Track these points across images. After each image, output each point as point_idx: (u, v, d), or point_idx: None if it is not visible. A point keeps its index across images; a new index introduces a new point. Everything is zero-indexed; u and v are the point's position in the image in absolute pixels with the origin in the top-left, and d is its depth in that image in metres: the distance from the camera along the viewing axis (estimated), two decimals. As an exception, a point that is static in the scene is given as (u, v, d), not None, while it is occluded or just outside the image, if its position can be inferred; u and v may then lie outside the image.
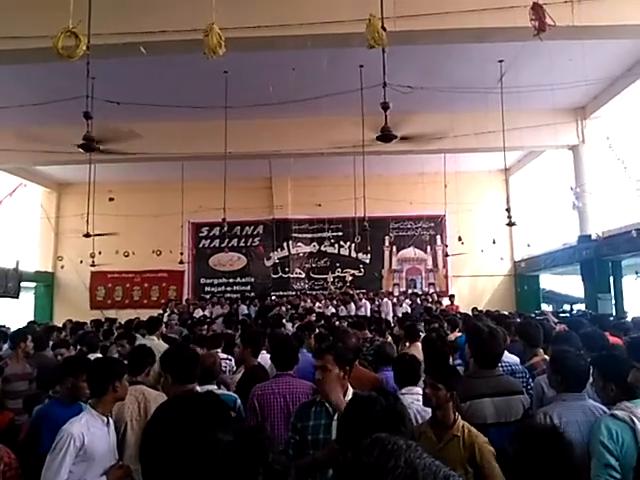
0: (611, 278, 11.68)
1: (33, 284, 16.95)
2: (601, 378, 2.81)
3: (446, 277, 16.94)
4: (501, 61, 9.40)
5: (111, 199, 16.58)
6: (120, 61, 8.05)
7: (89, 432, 2.65)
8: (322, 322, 9.62)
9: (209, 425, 1.33)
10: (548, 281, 16.72)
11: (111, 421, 2.92)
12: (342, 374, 2.76)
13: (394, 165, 14.77)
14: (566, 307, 14.35)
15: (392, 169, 15.17)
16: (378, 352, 3.88)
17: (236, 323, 9.10)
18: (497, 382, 2.98)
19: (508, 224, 10.29)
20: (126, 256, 16.99)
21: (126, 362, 3.52)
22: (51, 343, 6.31)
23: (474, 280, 16.49)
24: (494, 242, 14.38)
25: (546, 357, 3.92)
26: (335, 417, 2.67)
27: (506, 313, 9.43)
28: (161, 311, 13.77)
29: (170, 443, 1.31)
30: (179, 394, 2.62)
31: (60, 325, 10.21)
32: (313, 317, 10.32)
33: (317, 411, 2.74)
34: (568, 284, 16.13)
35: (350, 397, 2.71)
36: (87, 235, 12.44)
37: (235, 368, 5.16)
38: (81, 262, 15.96)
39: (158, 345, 5.80)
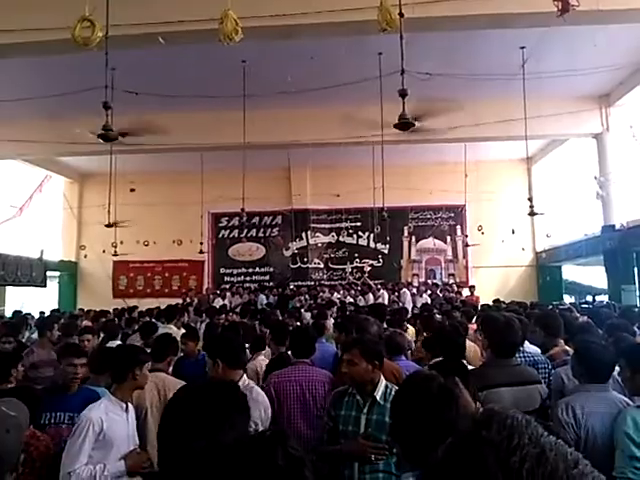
0: (635, 269, 11.44)
1: (57, 273, 17.30)
2: (629, 368, 2.76)
3: (466, 268, 16.77)
4: (523, 48, 9.18)
5: (132, 190, 16.81)
6: (139, 52, 8.09)
7: (108, 417, 2.69)
8: (340, 312, 9.61)
9: (228, 413, 1.33)
10: (571, 272, 16.46)
11: (130, 407, 2.95)
12: (370, 368, 2.74)
13: (413, 154, 14.63)
14: (589, 298, 14.12)
15: (411, 158, 15.03)
16: (388, 342, 3.88)
17: (252, 312, 9.16)
18: (514, 371, 2.95)
19: (530, 214, 10.14)
20: (147, 246, 17.22)
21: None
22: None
23: (495, 271, 16.30)
24: (513, 232, 14.17)
25: (567, 348, 3.87)
26: (364, 410, 2.70)
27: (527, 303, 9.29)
28: (181, 300, 13.93)
29: (190, 428, 1.31)
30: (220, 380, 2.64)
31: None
32: (334, 309, 10.23)
33: (349, 401, 2.77)
34: (591, 275, 15.85)
35: (382, 389, 2.74)
36: (109, 225, 12.65)
37: (250, 356, 5.22)
38: (103, 252, 16.23)
39: (177, 334, 5.90)
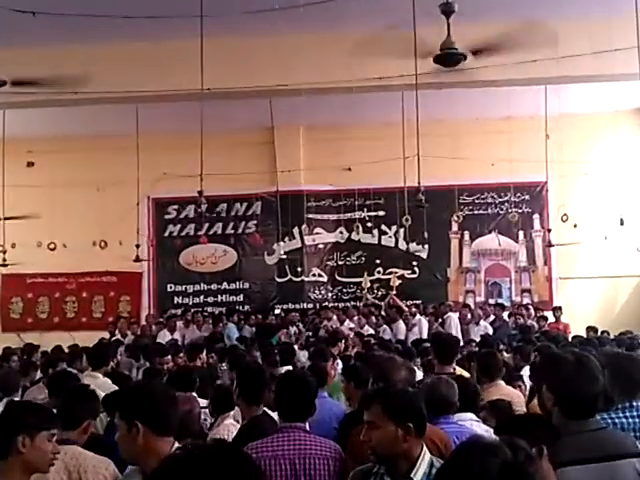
0: None
1: None
2: None
3: (549, 280, 16.85)
4: None
5: (30, 164, 16.82)
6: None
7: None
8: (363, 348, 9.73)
9: None
10: None
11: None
12: (401, 433, 2.76)
13: (464, 105, 14.63)
14: None
15: (461, 112, 15.05)
16: (430, 396, 3.80)
17: (209, 351, 9.26)
18: (594, 440, 2.89)
19: (646, 195, 10.17)
20: (53, 250, 17.15)
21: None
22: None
23: (594, 284, 16.33)
24: (622, 223, 14.15)
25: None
26: None
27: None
28: (107, 335, 13.94)
29: None
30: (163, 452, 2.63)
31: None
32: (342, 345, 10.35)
33: None
34: None
35: (424, 468, 2.74)
36: (-6, 219, 12.69)
37: (213, 420, 5.23)
38: (-15, 260, 16.27)
39: (103, 387, 5.92)
